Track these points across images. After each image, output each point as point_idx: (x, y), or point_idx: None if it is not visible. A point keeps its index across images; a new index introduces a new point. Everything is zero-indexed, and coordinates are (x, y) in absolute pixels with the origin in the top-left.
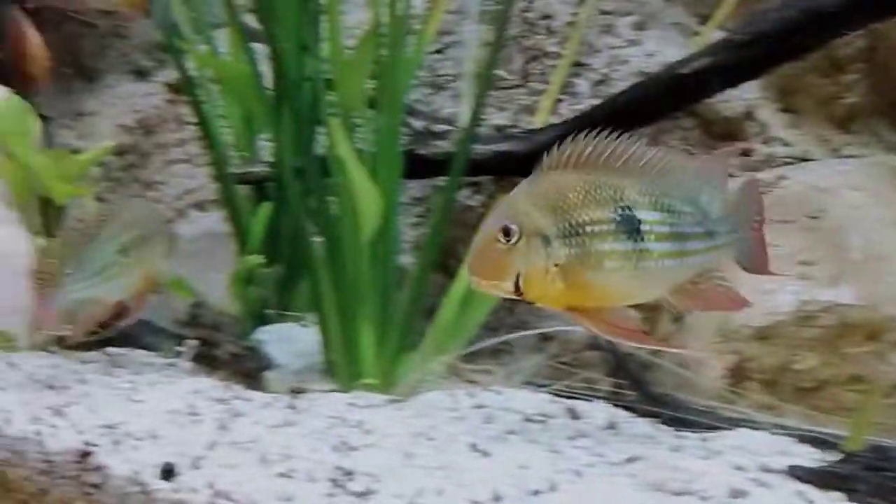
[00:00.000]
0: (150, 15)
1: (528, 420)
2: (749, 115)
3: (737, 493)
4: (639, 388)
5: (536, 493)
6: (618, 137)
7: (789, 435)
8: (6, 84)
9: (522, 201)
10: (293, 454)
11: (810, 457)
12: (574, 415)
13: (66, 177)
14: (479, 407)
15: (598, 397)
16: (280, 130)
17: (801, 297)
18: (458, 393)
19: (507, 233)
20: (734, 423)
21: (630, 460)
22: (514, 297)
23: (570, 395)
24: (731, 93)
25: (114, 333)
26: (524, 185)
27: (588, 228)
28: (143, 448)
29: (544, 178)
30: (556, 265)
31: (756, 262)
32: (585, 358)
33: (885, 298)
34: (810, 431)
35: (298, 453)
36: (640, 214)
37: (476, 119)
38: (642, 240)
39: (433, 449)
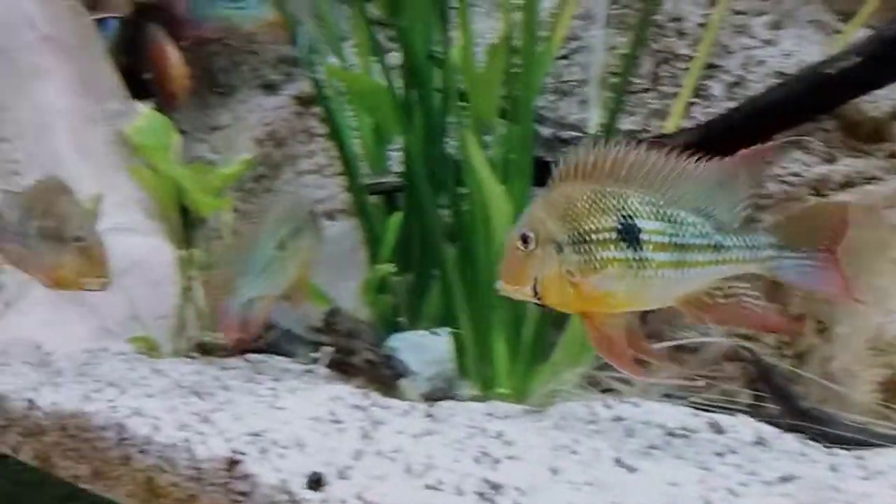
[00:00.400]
0: (289, 33)
1: (671, 434)
2: None
3: None
4: (785, 401)
5: None
6: (627, 146)
7: None
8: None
9: (539, 210)
10: (437, 465)
11: None
12: (718, 429)
13: (210, 190)
14: (618, 419)
15: (739, 411)
16: (410, 140)
17: None
18: (595, 404)
19: (524, 240)
20: (890, 441)
21: (784, 479)
22: (534, 301)
23: (711, 408)
24: (879, 92)
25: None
26: (541, 195)
27: (593, 236)
28: (289, 456)
29: (557, 188)
30: (568, 271)
31: (828, 286)
32: (724, 369)
33: None
34: None
35: (442, 464)
36: (641, 224)
37: (612, 125)
38: (642, 249)
39: (578, 463)
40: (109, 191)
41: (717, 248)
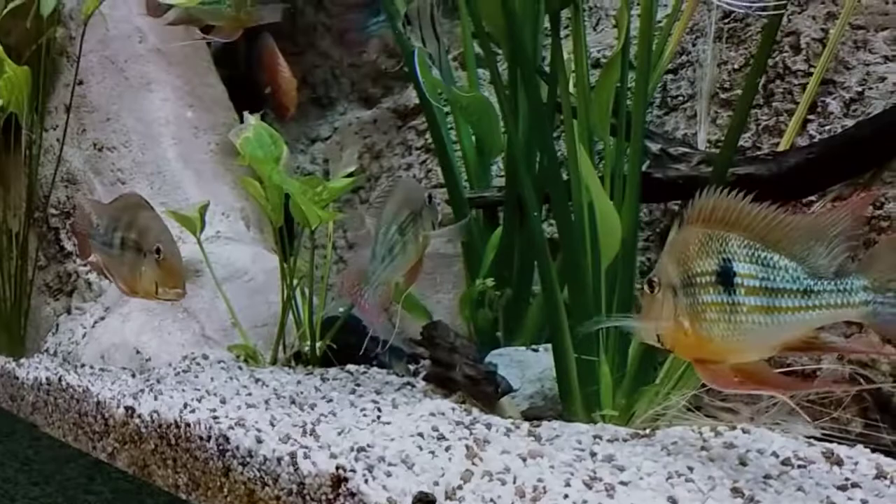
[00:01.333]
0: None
1: (786, 464)
2: None
3: None
4: None
5: None
6: (746, 196)
7: None
8: (260, 111)
9: (664, 254)
10: (548, 488)
11: None
12: (835, 460)
13: (319, 202)
14: (730, 447)
15: (853, 440)
16: (515, 154)
17: None
18: (704, 430)
19: (650, 284)
20: None
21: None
22: (658, 345)
23: (823, 437)
24: None
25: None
26: (669, 239)
27: (697, 279)
28: (397, 475)
29: (680, 232)
30: (678, 316)
31: None
32: (834, 396)
33: None
34: None
35: (553, 487)
36: (737, 267)
37: (734, 142)
38: (735, 292)
39: (695, 492)
40: (212, 200)
41: (808, 293)
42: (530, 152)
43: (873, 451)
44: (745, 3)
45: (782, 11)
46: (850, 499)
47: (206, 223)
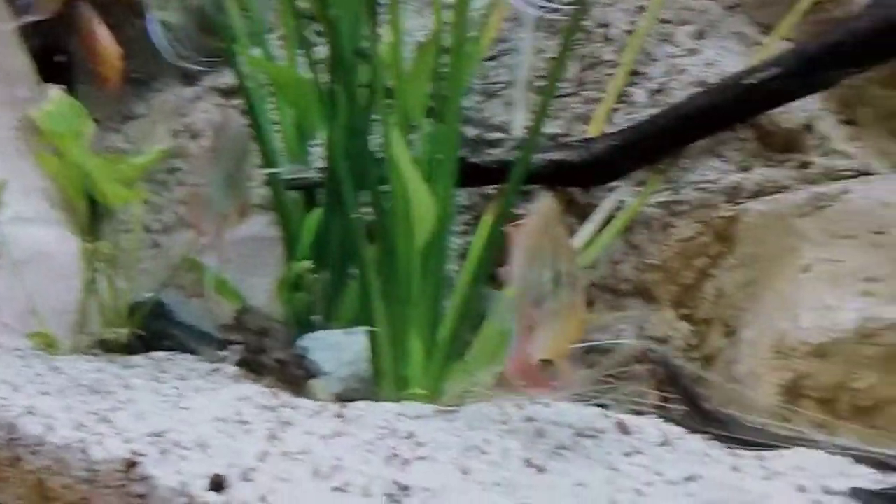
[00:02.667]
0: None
1: (580, 435)
2: (809, 127)
3: None
4: (691, 403)
5: None
6: None
7: (847, 455)
8: (69, 84)
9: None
10: (345, 466)
11: (870, 478)
12: (625, 430)
13: (122, 180)
14: (529, 420)
15: (648, 412)
16: (333, 135)
17: (863, 315)
18: (507, 405)
19: None
20: (789, 442)
21: (688, 479)
22: None
23: (619, 409)
24: (793, 104)
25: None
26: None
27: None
28: (191, 458)
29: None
30: None
31: None
32: (633, 371)
33: None
34: (869, 452)
35: (351, 465)
36: None
37: (539, 127)
38: None
39: (488, 464)
40: (12, 178)
41: None
42: (349, 134)
43: (665, 421)
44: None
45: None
46: (631, 464)
47: (3, 203)
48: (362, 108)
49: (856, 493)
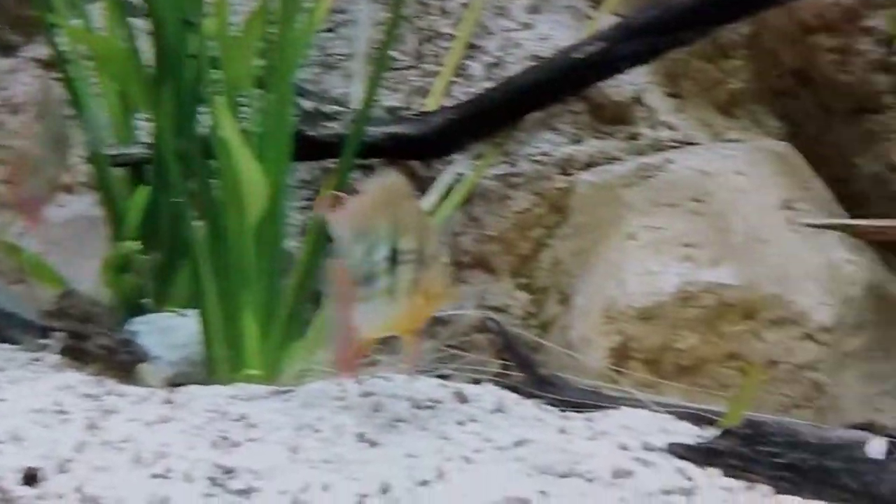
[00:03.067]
0: None
1: (418, 407)
2: (637, 100)
3: (621, 473)
4: (526, 369)
5: (425, 482)
6: None
7: (670, 412)
8: None
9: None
10: (169, 452)
11: (689, 433)
12: (463, 399)
13: None
14: (367, 395)
15: (487, 380)
16: (160, 110)
17: (683, 279)
18: (346, 382)
19: None
20: (618, 403)
21: (518, 444)
22: None
23: (460, 378)
24: (620, 77)
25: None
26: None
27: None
28: (4, 451)
29: None
30: None
31: None
32: (474, 340)
33: (762, 279)
34: (690, 408)
35: (175, 451)
36: None
37: (371, 100)
38: None
39: (320, 441)
40: None
41: None
42: (176, 107)
43: (501, 388)
44: None
45: None
46: (463, 432)
47: None
48: (189, 81)
49: (673, 448)
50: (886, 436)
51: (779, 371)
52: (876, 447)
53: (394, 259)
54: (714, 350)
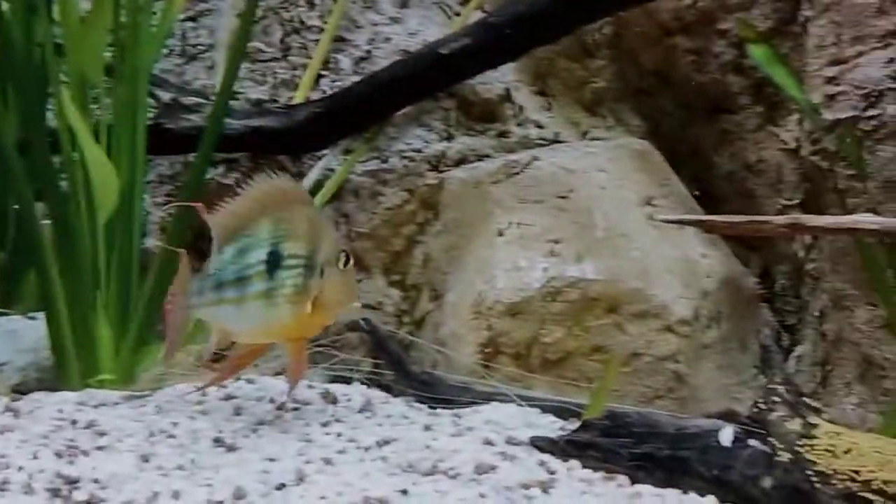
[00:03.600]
0: None
1: (281, 408)
2: (506, 98)
3: (484, 468)
4: (397, 367)
5: (282, 486)
6: None
7: (536, 406)
8: None
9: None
10: (10, 464)
11: (554, 427)
12: (331, 399)
13: None
14: (229, 398)
15: (359, 380)
16: (3, 101)
17: (549, 274)
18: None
19: None
20: (487, 398)
21: (382, 443)
22: None
23: (330, 378)
24: (489, 75)
25: None
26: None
27: None
28: None
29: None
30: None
31: None
32: (347, 339)
33: (624, 274)
34: (556, 402)
35: (14, 462)
36: None
37: (227, 92)
38: None
39: (173, 448)
40: None
41: None
42: (20, 99)
43: (371, 387)
44: None
45: None
46: (327, 433)
47: None
48: (35, 70)
49: (535, 442)
50: (740, 424)
51: (641, 363)
52: (727, 435)
53: (274, 263)
54: (579, 343)
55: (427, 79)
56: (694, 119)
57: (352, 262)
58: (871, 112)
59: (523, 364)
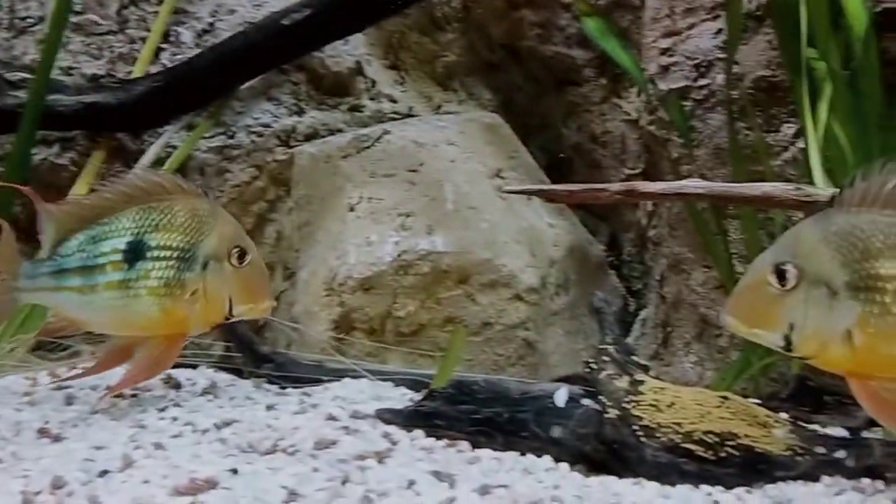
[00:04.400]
0: None
1: (118, 396)
2: (358, 71)
3: (324, 444)
4: (245, 349)
5: (105, 473)
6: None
7: (390, 380)
8: None
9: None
10: None
11: (404, 399)
12: (174, 384)
13: None
14: (59, 389)
15: (213, 364)
16: None
17: (400, 248)
18: (40, 375)
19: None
20: (340, 375)
21: (222, 425)
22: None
23: (177, 364)
24: (339, 47)
25: None
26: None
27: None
28: None
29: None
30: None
31: None
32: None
33: (474, 245)
34: (409, 375)
35: None
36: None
37: (48, 66)
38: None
39: None
40: None
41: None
42: None
43: (221, 370)
44: None
45: None
46: (161, 418)
47: None
48: None
49: (380, 414)
50: (579, 384)
51: (493, 332)
52: (561, 396)
53: (135, 253)
54: (432, 315)
55: (270, 51)
56: (543, 92)
57: (249, 258)
58: (701, 82)
59: (378, 338)
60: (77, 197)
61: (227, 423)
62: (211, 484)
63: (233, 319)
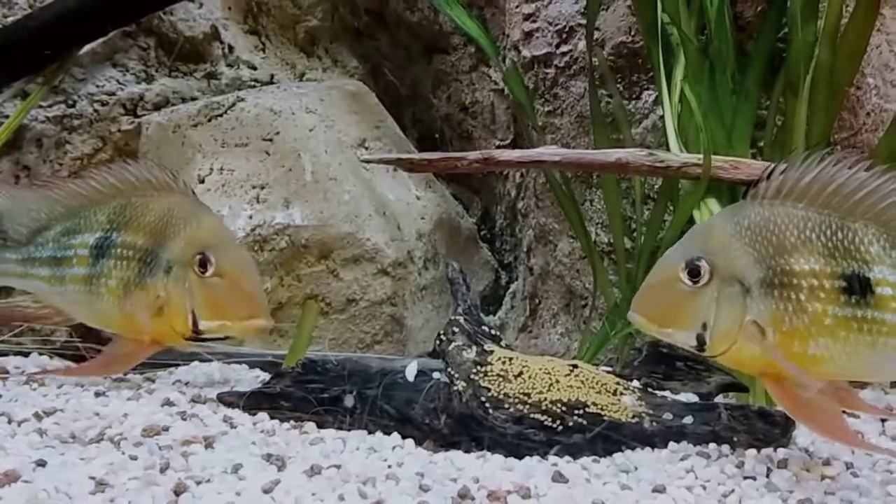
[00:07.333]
0: None
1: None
2: (214, 36)
3: (154, 430)
4: (89, 334)
5: None
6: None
7: (244, 362)
8: None
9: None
10: None
11: (257, 381)
12: (2, 371)
13: None
14: None
15: (50, 351)
16: None
17: (254, 221)
18: None
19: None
20: (189, 358)
21: (42, 415)
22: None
23: (6, 351)
24: (192, 10)
25: None
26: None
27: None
28: None
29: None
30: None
31: None
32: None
33: (335, 218)
34: (265, 356)
35: None
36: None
37: None
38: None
39: None
40: None
41: None
42: None
43: (59, 357)
44: None
45: None
46: None
47: None
48: None
49: (222, 397)
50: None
51: (358, 309)
52: (411, 370)
53: (102, 250)
54: (293, 293)
55: (111, 10)
56: (411, 60)
57: (218, 268)
58: (563, 48)
59: None
60: (59, 180)
61: (50, 413)
62: (11, 478)
63: (208, 336)
